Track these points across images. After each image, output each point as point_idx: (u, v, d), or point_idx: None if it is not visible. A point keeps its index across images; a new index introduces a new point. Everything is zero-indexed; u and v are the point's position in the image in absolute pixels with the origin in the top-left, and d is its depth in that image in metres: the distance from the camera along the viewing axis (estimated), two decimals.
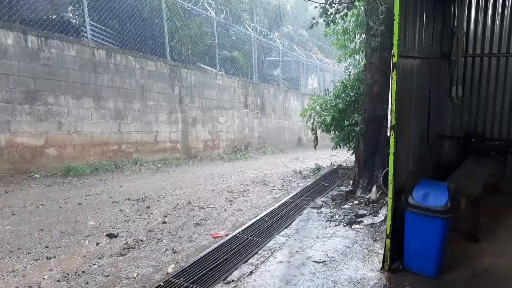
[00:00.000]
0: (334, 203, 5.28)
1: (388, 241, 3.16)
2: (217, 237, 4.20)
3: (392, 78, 3.10)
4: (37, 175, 7.03)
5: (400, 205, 3.18)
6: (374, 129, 5.41)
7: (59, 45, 7.71)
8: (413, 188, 3.24)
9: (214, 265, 3.39)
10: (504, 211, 4.56)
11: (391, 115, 3.18)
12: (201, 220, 4.82)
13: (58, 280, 3.13)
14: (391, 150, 3.12)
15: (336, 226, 4.37)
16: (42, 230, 4.27)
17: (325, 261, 3.44)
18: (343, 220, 4.54)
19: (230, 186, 6.98)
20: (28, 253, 3.63)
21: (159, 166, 9.47)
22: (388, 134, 3.26)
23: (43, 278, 3.15)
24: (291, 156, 13.53)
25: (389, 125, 3.26)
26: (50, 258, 3.56)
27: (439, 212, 2.99)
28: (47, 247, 3.81)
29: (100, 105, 8.66)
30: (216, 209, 5.37)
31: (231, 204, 5.62)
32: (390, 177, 3.14)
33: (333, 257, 3.51)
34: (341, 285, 2.98)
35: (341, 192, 5.65)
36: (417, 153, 4.29)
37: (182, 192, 6.41)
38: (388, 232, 3.16)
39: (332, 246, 3.79)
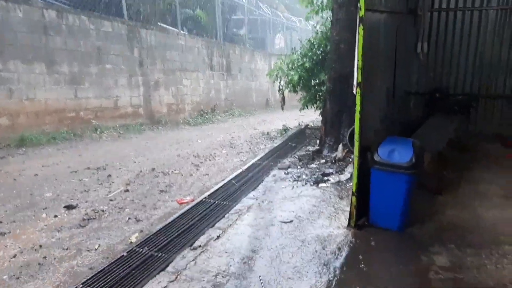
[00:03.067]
0: (301, 163, 5.27)
1: (354, 198, 3.16)
2: (182, 203, 4.09)
3: (358, 34, 2.98)
4: None
5: (366, 163, 3.16)
6: (341, 88, 5.34)
7: (3, 6, 6.97)
8: (379, 145, 3.22)
9: (180, 231, 3.30)
10: (467, 165, 4.69)
11: (357, 72, 3.08)
12: (166, 186, 4.68)
13: (15, 256, 2.95)
14: (357, 107, 3.05)
15: (303, 185, 4.36)
16: None
17: (292, 221, 3.42)
18: (310, 179, 4.53)
19: (196, 151, 6.81)
20: None
21: (121, 132, 9.10)
22: (354, 92, 3.18)
23: None
24: (259, 118, 13.42)
25: (355, 83, 3.18)
26: (5, 233, 3.35)
27: (404, 168, 2.99)
28: (0, 222, 3.57)
29: (54, 70, 8.05)
30: (182, 174, 5.22)
31: (197, 169, 5.49)
32: (356, 135, 3.10)
33: (300, 217, 3.50)
34: (308, 244, 2.98)
35: (308, 152, 5.64)
36: (383, 110, 4.26)
37: (146, 159, 6.19)
38: (354, 189, 3.16)
39: (300, 205, 3.78)
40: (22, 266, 2.81)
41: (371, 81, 3.45)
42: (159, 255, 2.92)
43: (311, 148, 6.01)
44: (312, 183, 4.39)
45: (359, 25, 2.95)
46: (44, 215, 3.78)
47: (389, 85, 4.75)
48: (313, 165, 5.10)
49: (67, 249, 3.09)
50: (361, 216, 3.26)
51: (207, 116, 12.91)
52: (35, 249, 3.09)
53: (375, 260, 2.75)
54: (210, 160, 6.09)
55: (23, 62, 7.38)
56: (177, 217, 3.59)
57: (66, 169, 5.46)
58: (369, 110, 3.41)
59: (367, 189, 3.19)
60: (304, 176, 4.67)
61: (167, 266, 2.76)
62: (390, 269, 2.62)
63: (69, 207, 3.95)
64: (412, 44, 5.98)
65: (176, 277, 2.61)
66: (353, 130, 4.18)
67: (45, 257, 2.96)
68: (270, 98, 18.53)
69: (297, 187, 4.34)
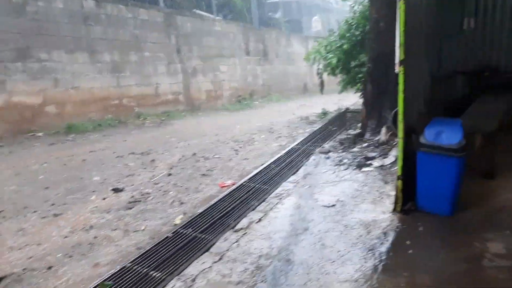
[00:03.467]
0: (342, 147, 5.16)
1: (399, 182, 3.05)
2: (224, 186, 4.14)
3: (399, 8, 2.83)
4: (40, 134, 6.97)
5: (411, 146, 3.03)
6: (382, 68, 5.13)
7: None
8: (425, 127, 3.07)
9: (222, 214, 3.34)
10: None
11: (399, 50, 2.94)
12: (207, 170, 4.76)
13: (66, 237, 3.12)
14: (400, 87, 2.92)
15: (345, 170, 4.28)
16: (47, 188, 4.24)
17: (334, 205, 3.37)
18: (352, 163, 4.43)
19: (235, 136, 6.86)
20: (34, 212, 3.61)
21: (163, 119, 9.34)
22: (396, 71, 3.04)
23: (52, 235, 3.13)
24: (297, 103, 13.26)
25: (397, 61, 3.04)
26: (57, 215, 3.54)
27: (452, 151, 2.84)
28: (53, 204, 3.78)
29: (96, 59, 8.36)
30: (222, 159, 5.29)
31: (237, 154, 5.53)
32: (400, 116, 2.97)
33: (343, 201, 3.44)
34: (352, 228, 2.92)
35: (349, 136, 5.51)
36: (428, 90, 4.06)
37: (187, 144, 6.32)
38: (399, 173, 3.05)
39: (341, 190, 3.72)
40: (74, 246, 2.97)
41: (414, 59, 3.27)
42: (202, 236, 2.98)
43: (352, 132, 5.87)
44: (354, 167, 4.29)
45: (399, 0, 2.81)
46: (93, 197, 3.96)
47: (434, 63, 4.51)
48: (355, 149, 4.98)
49: (115, 229, 3.22)
50: (407, 201, 3.15)
51: (245, 102, 12.94)
52: (86, 230, 3.24)
53: (423, 246, 2.65)
54: (249, 145, 6.11)
55: (67, 52, 7.71)
56: (219, 200, 3.64)
57: (112, 154, 5.69)
58: (413, 90, 3.26)
59: (413, 173, 3.07)
60: (345, 160, 4.57)
61: (210, 247, 2.82)
62: (439, 256, 2.52)
63: (116, 190, 4.11)
64: (457, 20, 5.61)
65: (220, 258, 2.66)
66: (396, 112, 4.03)
67: (95, 237, 3.10)
68: (308, 82, 18.22)
69: (338, 171, 4.26)
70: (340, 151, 5.02)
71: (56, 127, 7.37)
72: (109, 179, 4.54)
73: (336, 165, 4.47)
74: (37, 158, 5.48)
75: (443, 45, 5.10)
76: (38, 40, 7.16)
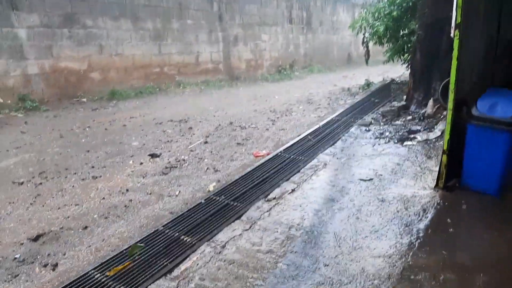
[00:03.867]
0: (384, 120, 4.91)
1: (444, 157, 2.84)
2: (258, 156, 4.09)
3: None
4: (84, 99, 7.24)
5: (461, 119, 2.79)
6: (434, 36, 4.74)
7: None
8: (477, 98, 2.81)
9: (255, 183, 3.31)
10: None
11: (456, 12, 2.65)
12: (243, 140, 4.72)
13: (104, 198, 3.22)
14: (454, 53, 2.65)
15: (386, 143, 4.07)
16: (88, 151, 4.40)
17: (372, 179, 3.23)
18: (394, 137, 4.21)
19: (273, 106, 6.75)
20: (75, 173, 3.76)
21: (202, 88, 9.37)
22: (451, 35, 2.76)
23: (90, 196, 3.26)
24: (339, 74, 12.81)
25: (453, 24, 2.75)
26: (96, 177, 3.67)
27: (505, 124, 2.58)
28: (93, 167, 3.92)
29: (139, 26, 8.43)
30: (258, 128, 5.22)
31: (273, 124, 5.44)
32: (452, 85, 2.72)
33: (382, 175, 3.28)
34: (389, 203, 2.78)
35: (393, 108, 5.22)
36: (484, 59, 3.70)
37: (224, 113, 6.30)
38: (445, 147, 2.83)
39: (381, 163, 3.54)
40: (110, 207, 3.07)
41: (471, 24, 2.96)
42: (234, 204, 2.97)
43: (396, 104, 5.55)
44: (396, 141, 4.07)
45: None
46: (131, 162, 4.06)
47: (492, 30, 4.07)
48: (398, 122, 4.72)
49: (150, 194, 3.29)
50: (452, 178, 2.94)
51: (285, 72, 12.67)
52: (122, 193, 3.34)
53: (465, 225, 2.48)
54: (286, 115, 5.99)
55: (111, 18, 7.82)
56: (253, 169, 3.60)
57: (151, 121, 5.80)
58: (468, 56, 2.97)
59: (460, 148, 2.84)
60: (387, 133, 4.35)
61: (242, 215, 2.80)
62: (482, 236, 2.35)
63: (153, 156, 4.19)
64: None
65: (251, 226, 2.63)
66: (446, 83, 3.72)
67: (130, 200, 3.19)
68: (353, 52, 17.49)
69: (379, 144, 4.06)
70: (382, 124, 4.78)
71: (99, 93, 7.61)
72: (147, 144, 4.64)
73: (377, 138, 4.27)
74: (80, 122, 5.70)
75: (504, 11, 4.57)
76: (84, 6, 7.31)
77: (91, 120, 5.89)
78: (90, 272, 2.22)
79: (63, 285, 2.11)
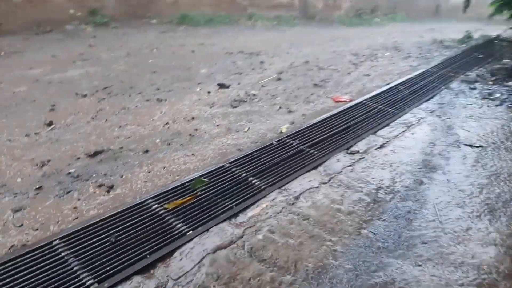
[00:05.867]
0: (494, 79, 4.09)
1: None
2: (339, 101, 3.58)
3: None
4: (153, 21, 6.96)
5: None
6: None
7: None
8: None
9: (335, 131, 2.85)
10: None
11: None
12: (321, 81, 4.19)
13: (167, 123, 2.96)
14: None
15: (496, 106, 3.35)
16: (154, 72, 4.16)
17: (481, 146, 2.63)
18: (507, 99, 3.46)
19: (354, 49, 6.01)
20: (139, 93, 3.53)
21: (274, 23, 8.70)
22: None
23: (152, 119, 3.01)
24: (425, 26, 11.31)
25: None
26: (161, 100, 3.41)
27: None
28: (158, 89, 3.67)
29: None
30: (338, 71, 4.62)
31: (356, 68, 4.79)
32: None
33: (494, 143, 2.67)
34: (505, 181, 2.22)
35: (505, 66, 4.34)
36: None
37: (299, 51, 5.71)
38: None
39: (491, 129, 2.90)
40: (174, 134, 2.80)
41: None
42: (310, 151, 2.56)
43: (509, 62, 4.64)
44: (510, 105, 3.34)
45: None
46: (198, 89, 3.75)
47: None
48: (511, 83, 3.91)
49: (217, 125, 2.97)
50: None
51: (364, 17, 11.46)
52: (187, 120, 3.05)
53: None
54: (371, 60, 5.27)
55: None
56: (332, 115, 3.12)
57: (221, 50, 5.41)
58: None
59: None
60: (498, 95, 3.60)
61: (319, 165, 2.39)
62: None
63: (222, 86, 3.84)
64: None
65: (330, 180, 2.23)
66: None
67: (196, 129, 2.89)
68: (441, 3, 15.43)
69: (487, 106, 3.36)
70: (491, 83, 3.98)
71: (169, 16, 7.29)
72: (216, 74, 4.28)
73: (485, 98, 3.54)
74: (148, 43, 5.46)
75: None
76: None
77: (159, 42, 5.62)
78: (147, 202, 1.98)
79: (117, 211, 1.88)
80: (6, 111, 3.07)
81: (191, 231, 1.79)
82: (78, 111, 3.05)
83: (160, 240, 1.71)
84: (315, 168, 2.37)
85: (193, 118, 3.07)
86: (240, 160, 2.41)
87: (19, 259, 1.58)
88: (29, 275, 1.50)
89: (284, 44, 6.27)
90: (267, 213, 1.94)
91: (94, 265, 1.55)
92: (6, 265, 1.55)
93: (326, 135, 2.79)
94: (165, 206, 1.95)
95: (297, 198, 2.07)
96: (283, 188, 2.16)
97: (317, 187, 2.17)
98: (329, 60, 5.18)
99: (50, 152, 2.45)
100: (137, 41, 5.55)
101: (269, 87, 3.91)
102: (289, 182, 2.22)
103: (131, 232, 1.76)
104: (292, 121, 3.09)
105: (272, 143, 2.64)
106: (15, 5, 5.91)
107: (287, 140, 2.70)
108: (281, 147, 2.60)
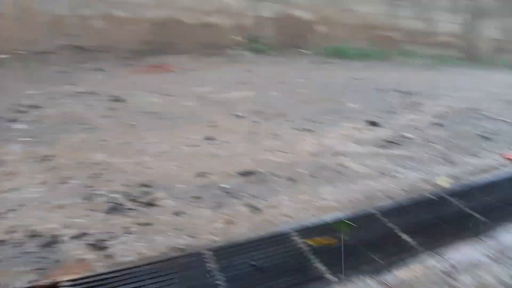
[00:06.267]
0: None
1: None
2: (509, 159, 3.06)
3: None
4: (308, 52, 7.26)
5: None
6: None
7: None
8: None
9: (508, 196, 2.40)
10: None
11: None
12: (488, 132, 3.67)
13: (314, 155, 2.93)
14: None
15: None
16: (304, 102, 4.29)
17: None
18: None
19: None
20: (288, 121, 3.66)
21: (432, 61, 8.13)
22: None
23: (300, 149, 3.04)
24: None
25: None
26: (309, 130, 3.45)
27: None
28: (306, 119, 3.75)
29: None
30: (509, 123, 4.01)
31: None
32: None
33: None
34: None
35: None
36: None
37: (460, 95, 5.17)
38: None
39: None
40: (319, 167, 2.74)
41: None
42: (476, 216, 2.18)
43: None
44: None
45: None
46: (346, 124, 3.66)
47: None
48: None
49: (365, 165, 2.81)
50: None
51: None
52: (334, 155, 2.97)
53: None
54: None
55: None
56: (508, 177, 2.65)
57: (372, 86, 5.31)
58: None
59: None
60: None
61: (486, 235, 2.02)
62: None
63: (371, 123, 3.68)
64: None
65: (500, 257, 1.86)
66: None
67: (341, 166, 2.78)
68: None
69: None
70: None
71: (323, 48, 7.46)
72: (366, 110, 4.15)
73: None
74: (302, 73, 5.64)
75: None
76: None
77: (311, 72, 5.79)
78: (288, 232, 1.93)
79: (261, 235, 1.88)
80: (174, 121, 3.48)
81: (331, 276, 1.67)
82: (234, 131, 3.27)
83: (298, 276, 1.65)
84: (480, 237, 2.01)
85: (339, 154, 2.98)
86: (389, 210, 2.21)
87: (171, 260, 1.68)
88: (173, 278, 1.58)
89: (443, 85, 5.80)
90: (419, 279, 1.70)
91: (237, 284, 1.56)
92: (156, 265, 1.65)
93: (498, 199, 2.37)
94: (308, 242, 1.87)
95: (457, 270, 1.77)
96: (439, 253, 1.88)
97: (483, 262, 1.82)
98: (497, 109, 4.55)
99: (208, 165, 2.64)
100: (291, 70, 5.82)
101: (425, 132, 3.59)
102: (447, 247, 1.92)
103: (271, 260, 1.73)
104: (455, 176, 2.73)
105: (430, 198, 2.35)
106: (189, 27, 6.79)
107: (449, 198, 2.37)
108: (439, 204, 2.30)
